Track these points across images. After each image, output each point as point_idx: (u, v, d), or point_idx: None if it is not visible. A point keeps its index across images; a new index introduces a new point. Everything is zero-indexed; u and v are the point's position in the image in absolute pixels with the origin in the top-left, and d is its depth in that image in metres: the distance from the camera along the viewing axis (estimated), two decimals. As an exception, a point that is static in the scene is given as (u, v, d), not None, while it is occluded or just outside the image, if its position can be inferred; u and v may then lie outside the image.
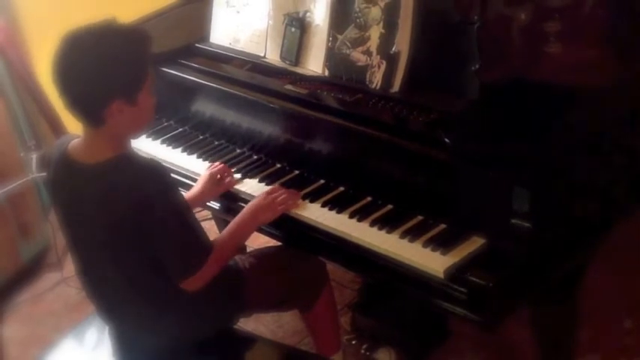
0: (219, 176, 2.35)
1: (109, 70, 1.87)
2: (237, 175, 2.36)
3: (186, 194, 2.29)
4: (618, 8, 2.38)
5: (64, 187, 2.03)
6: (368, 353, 2.56)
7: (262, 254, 2.36)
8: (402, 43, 2.16)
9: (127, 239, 1.96)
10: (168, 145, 2.60)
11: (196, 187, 2.35)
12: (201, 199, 2.35)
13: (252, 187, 2.30)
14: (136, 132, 2.06)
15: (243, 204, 2.27)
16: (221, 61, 2.63)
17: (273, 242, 2.36)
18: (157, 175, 1.95)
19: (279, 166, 2.37)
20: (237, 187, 2.33)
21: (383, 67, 2.19)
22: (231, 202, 2.35)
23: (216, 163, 2.40)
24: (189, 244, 2.00)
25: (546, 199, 1.87)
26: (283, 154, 2.36)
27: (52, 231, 3.42)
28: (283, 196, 2.18)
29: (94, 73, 1.86)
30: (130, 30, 1.98)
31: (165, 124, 2.71)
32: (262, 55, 2.53)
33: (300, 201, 2.19)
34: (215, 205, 2.40)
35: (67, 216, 2.07)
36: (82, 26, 1.88)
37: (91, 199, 1.94)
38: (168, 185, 1.97)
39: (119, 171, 1.93)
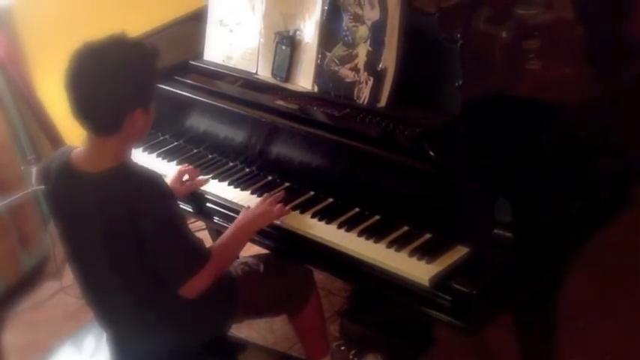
0: (186, 177, 2.40)
1: (132, 81, 1.91)
2: (230, 187, 2.36)
3: None
4: (593, 27, 2.41)
5: (65, 195, 2.03)
6: (356, 359, 2.55)
7: (253, 262, 2.36)
8: (389, 60, 2.16)
9: (125, 247, 1.96)
10: (164, 158, 2.60)
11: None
12: None
13: (244, 198, 2.30)
14: (140, 139, 2.09)
15: (234, 214, 2.27)
16: (214, 77, 2.63)
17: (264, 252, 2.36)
18: (154, 183, 1.96)
19: (270, 178, 2.37)
20: (230, 198, 2.32)
21: (370, 83, 2.20)
22: (223, 213, 2.35)
23: (186, 165, 2.44)
24: (185, 250, 2.00)
25: (527, 210, 1.87)
26: (274, 167, 2.36)
27: (52, 242, 3.40)
28: (277, 203, 2.19)
29: (119, 84, 1.88)
30: (142, 42, 2.03)
31: (161, 138, 2.71)
32: (254, 71, 2.53)
33: (291, 212, 2.18)
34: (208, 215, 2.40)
35: (68, 224, 2.07)
36: (93, 41, 1.90)
37: (92, 207, 1.94)
38: (165, 193, 1.98)
39: (119, 179, 1.93)
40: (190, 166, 2.45)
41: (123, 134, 1.93)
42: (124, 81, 1.89)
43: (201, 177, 2.42)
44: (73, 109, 1.90)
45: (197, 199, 2.42)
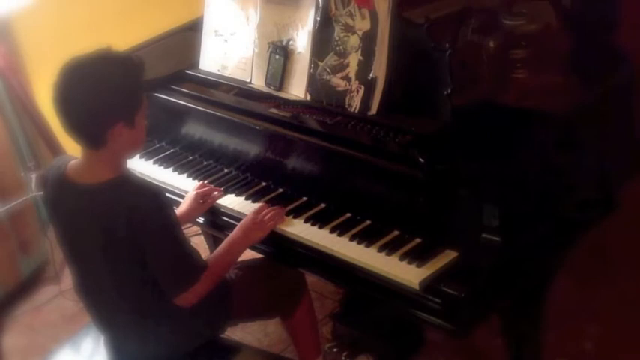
0: (201, 200, 2.34)
1: (111, 96, 1.87)
2: (225, 193, 2.36)
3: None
4: (578, 37, 2.41)
5: (62, 206, 2.02)
6: (348, 360, 2.55)
7: (247, 266, 2.36)
8: (379, 69, 2.16)
9: (122, 255, 1.95)
10: (160, 165, 2.59)
11: (183, 206, 2.34)
12: (186, 218, 2.34)
13: (238, 204, 2.30)
14: (133, 152, 2.07)
15: (229, 220, 2.27)
16: (210, 86, 2.62)
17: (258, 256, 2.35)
18: (153, 195, 1.95)
19: (264, 184, 2.36)
20: (225, 204, 2.32)
21: (361, 91, 2.20)
22: (219, 218, 2.34)
23: (200, 183, 2.40)
24: (182, 262, 2.00)
25: (514, 215, 1.87)
26: (268, 174, 2.36)
27: (51, 247, 3.39)
28: (270, 213, 2.17)
29: (98, 99, 1.86)
30: (126, 57, 1.99)
31: (157, 145, 2.70)
32: (248, 80, 2.53)
33: (284, 217, 2.18)
34: (205, 221, 2.39)
35: (66, 233, 2.05)
36: (80, 56, 1.88)
37: (91, 218, 1.93)
38: (163, 205, 1.97)
39: (118, 191, 1.92)
40: (206, 187, 2.38)
41: (110, 148, 1.91)
42: (103, 96, 1.86)
43: (215, 193, 2.37)
44: (60, 123, 1.89)
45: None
